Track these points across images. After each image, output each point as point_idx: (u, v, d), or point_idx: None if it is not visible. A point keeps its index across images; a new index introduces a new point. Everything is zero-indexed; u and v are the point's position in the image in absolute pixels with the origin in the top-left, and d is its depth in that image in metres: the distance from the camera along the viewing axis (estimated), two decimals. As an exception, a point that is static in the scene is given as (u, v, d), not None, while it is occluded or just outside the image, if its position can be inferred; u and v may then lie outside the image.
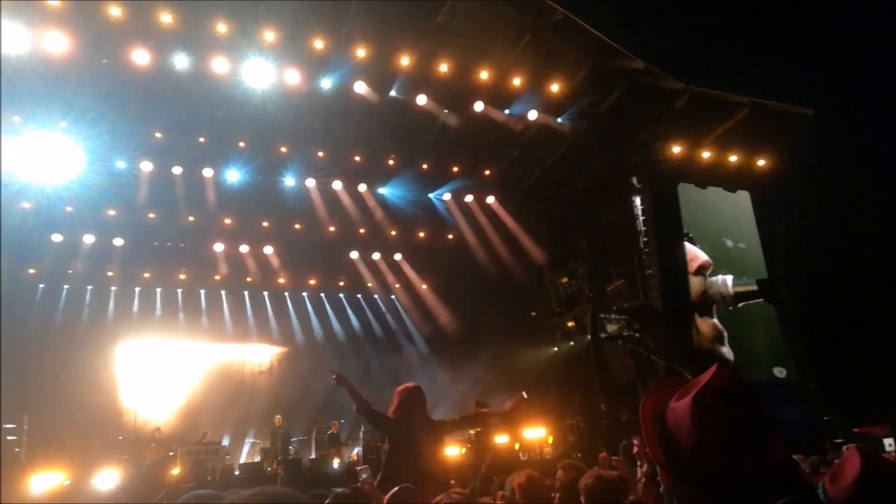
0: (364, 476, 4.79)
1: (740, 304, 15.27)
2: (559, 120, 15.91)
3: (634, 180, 15.60)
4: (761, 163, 16.44)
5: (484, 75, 14.77)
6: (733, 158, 16.43)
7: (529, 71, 14.89)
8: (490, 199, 19.18)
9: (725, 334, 14.79)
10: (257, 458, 14.70)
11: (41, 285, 17.53)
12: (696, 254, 15.32)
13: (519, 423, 8.58)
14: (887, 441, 12.71)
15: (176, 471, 12.38)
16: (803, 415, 13.93)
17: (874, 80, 12.75)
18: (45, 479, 10.47)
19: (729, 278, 15.34)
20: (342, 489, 4.70)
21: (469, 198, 19.20)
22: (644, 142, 15.65)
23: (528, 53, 14.41)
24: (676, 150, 16.08)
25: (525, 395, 6.68)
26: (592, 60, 14.48)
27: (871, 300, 13.69)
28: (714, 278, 15.29)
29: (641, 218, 15.25)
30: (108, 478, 11.37)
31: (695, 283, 15.10)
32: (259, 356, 19.84)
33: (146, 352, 18.39)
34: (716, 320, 14.88)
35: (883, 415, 12.23)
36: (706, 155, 16.27)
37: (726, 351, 14.63)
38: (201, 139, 15.86)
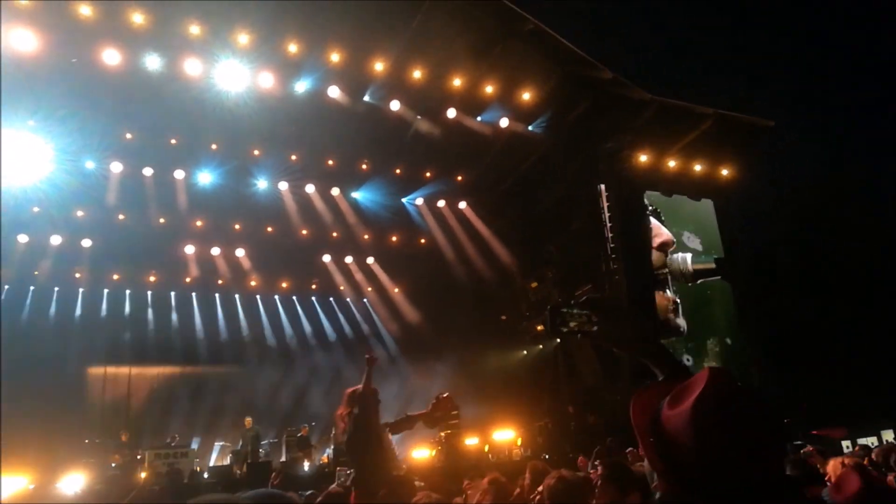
0: (342, 479, 4.90)
1: (699, 281, 16.07)
2: (530, 128, 16.19)
3: (603, 188, 15.92)
4: (725, 172, 16.91)
5: (457, 82, 14.97)
6: (698, 168, 16.87)
7: (501, 79, 15.14)
8: (462, 205, 19.39)
9: (680, 305, 15.44)
10: (227, 461, 14.65)
11: (6, 286, 17.23)
12: (660, 230, 15.95)
13: (443, 422, 8.64)
14: (845, 443, 13.16)
15: (143, 474, 12.29)
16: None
17: (834, 92, 13.20)
18: (8, 483, 10.33)
19: (689, 255, 16.08)
20: (334, 487, 4.79)
21: (441, 203, 19.38)
22: (612, 150, 16.00)
23: (500, 62, 14.65)
24: (643, 158, 16.45)
25: (447, 395, 6.80)
26: (562, 70, 14.77)
27: (828, 305, 14.15)
28: (674, 255, 16.01)
29: (609, 224, 15.58)
30: (73, 482, 11.25)
31: (656, 257, 15.71)
32: (230, 359, 19.71)
33: (114, 354, 18.15)
34: (670, 293, 15.53)
35: (836, 415, 12.66)
36: (672, 164, 16.68)
37: (681, 322, 15.27)
38: (173, 141, 15.77)
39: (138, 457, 13.46)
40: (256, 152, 16.77)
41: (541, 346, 18.12)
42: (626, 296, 14.58)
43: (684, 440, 1.40)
